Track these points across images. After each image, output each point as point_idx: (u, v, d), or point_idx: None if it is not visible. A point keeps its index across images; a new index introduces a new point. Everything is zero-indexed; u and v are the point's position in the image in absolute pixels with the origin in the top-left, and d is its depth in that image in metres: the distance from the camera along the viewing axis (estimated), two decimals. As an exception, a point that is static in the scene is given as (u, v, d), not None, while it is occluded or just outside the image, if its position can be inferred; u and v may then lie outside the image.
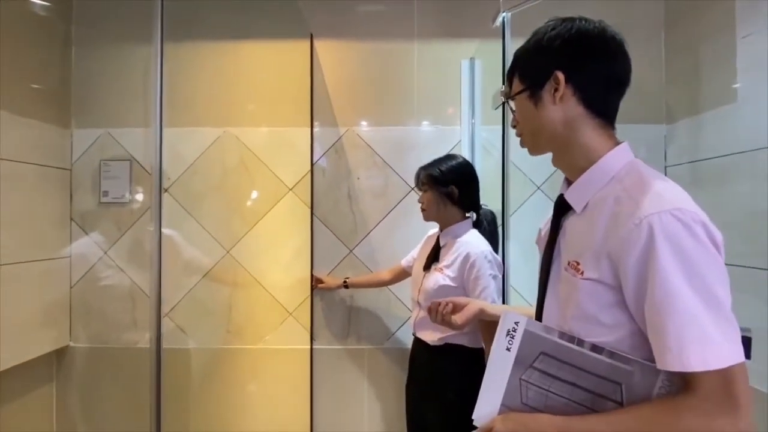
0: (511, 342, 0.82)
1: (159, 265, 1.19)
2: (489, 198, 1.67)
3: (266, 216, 1.94)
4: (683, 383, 0.66)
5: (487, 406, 0.83)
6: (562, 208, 0.85)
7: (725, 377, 0.62)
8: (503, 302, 1.82)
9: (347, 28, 1.95)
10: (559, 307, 0.82)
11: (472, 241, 1.52)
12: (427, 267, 1.57)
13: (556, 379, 0.79)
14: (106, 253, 1.92)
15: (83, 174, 1.93)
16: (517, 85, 0.87)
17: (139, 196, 1.94)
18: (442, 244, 1.57)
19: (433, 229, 1.67)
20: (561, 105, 0.82)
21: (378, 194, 1.95)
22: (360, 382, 1.94)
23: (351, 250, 1.95)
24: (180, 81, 1.94)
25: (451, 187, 1.55)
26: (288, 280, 1.94)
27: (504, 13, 1.54)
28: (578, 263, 0.77)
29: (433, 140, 1.95)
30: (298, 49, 1.93)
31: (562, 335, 0.77)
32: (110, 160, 1.92)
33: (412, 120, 1.96)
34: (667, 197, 0.69)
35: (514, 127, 0.93)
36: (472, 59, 1.94)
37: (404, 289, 1.86)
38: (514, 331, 0.81)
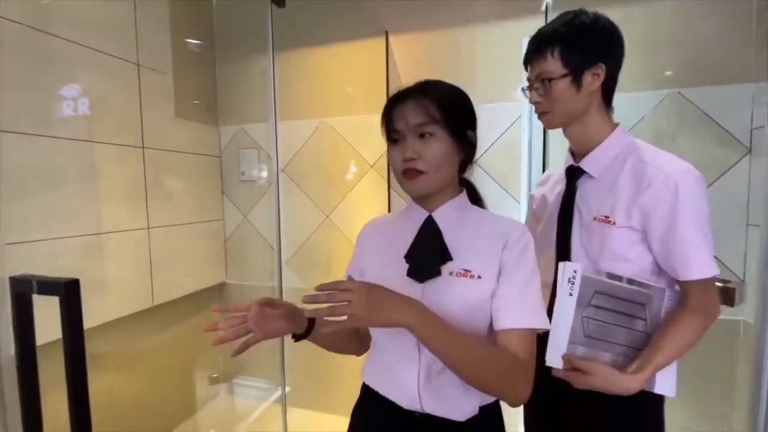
0: (572, 288, 0.91)
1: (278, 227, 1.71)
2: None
3: (353, 189, 2.40)
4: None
5: (556, 348, 0.92)
6: (574, 175, 1.03)
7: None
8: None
9: (416, 22, 2.21)
10: (586, 253, 0.98)
11: (501, 215, 0.89)
12: (426, 274, 0.85)
13: (606, 311, 0.92)
14: (245, 217, 2.62)
15: (228, 159, 2.64)
16: (559, 67, 0.95)
17: (264, 175, 2.58)
18: (444, 231, 0.88)
19: (380, 216, 1.08)
20: (591, 90, 0.97)
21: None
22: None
23: (422, 217, 2.29)
24: (288, 83, 2.46)
25: (470, 132, 0.90)
26: (371, 241, 2.38)
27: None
28: (607, 216, 0.95)
29: (493, 116, 2.12)
30: (376, 46, 2.27)
31: (610, 275, 0.92)
32: (244, 148, 2.58)
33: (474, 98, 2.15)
34: (679, 161, 0.94)
35: (536, 103, 1.01)
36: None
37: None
38: (574, 278, 0.91)
